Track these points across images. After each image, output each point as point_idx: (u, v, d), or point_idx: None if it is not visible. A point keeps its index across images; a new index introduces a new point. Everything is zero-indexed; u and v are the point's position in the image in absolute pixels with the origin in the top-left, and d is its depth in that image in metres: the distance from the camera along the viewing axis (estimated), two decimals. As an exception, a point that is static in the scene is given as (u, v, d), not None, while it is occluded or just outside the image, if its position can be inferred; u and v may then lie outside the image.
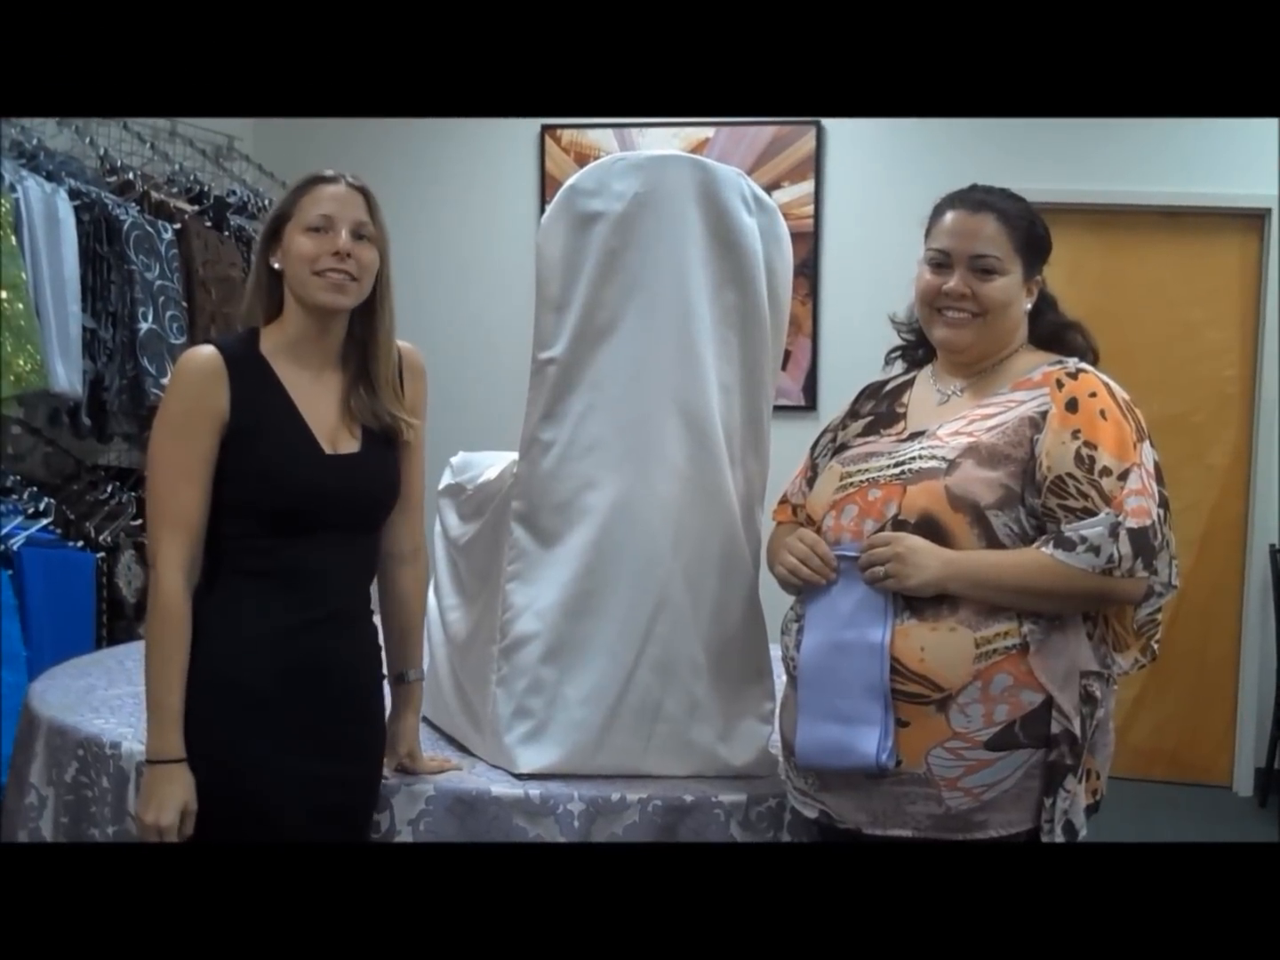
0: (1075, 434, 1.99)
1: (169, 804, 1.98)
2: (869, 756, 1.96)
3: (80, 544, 4.09)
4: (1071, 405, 2.01)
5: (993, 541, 1.99)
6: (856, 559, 2.01)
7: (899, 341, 2.35)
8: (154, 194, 4.60)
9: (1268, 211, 5.15)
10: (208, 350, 2.09)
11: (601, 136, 5.51)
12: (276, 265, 2.12)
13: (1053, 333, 2.18)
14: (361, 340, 2.17)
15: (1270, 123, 4.85)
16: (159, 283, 4.35)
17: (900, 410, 2.19)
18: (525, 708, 2.35)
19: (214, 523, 2.07)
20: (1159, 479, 2.02)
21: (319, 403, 2.13)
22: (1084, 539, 1.94)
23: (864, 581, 2.00)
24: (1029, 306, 2.15)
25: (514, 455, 2.46)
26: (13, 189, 3.87)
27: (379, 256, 2.13)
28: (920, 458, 2.05)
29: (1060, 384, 2.04)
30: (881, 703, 1.96)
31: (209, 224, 4.81)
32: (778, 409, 2.55)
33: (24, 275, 3.82)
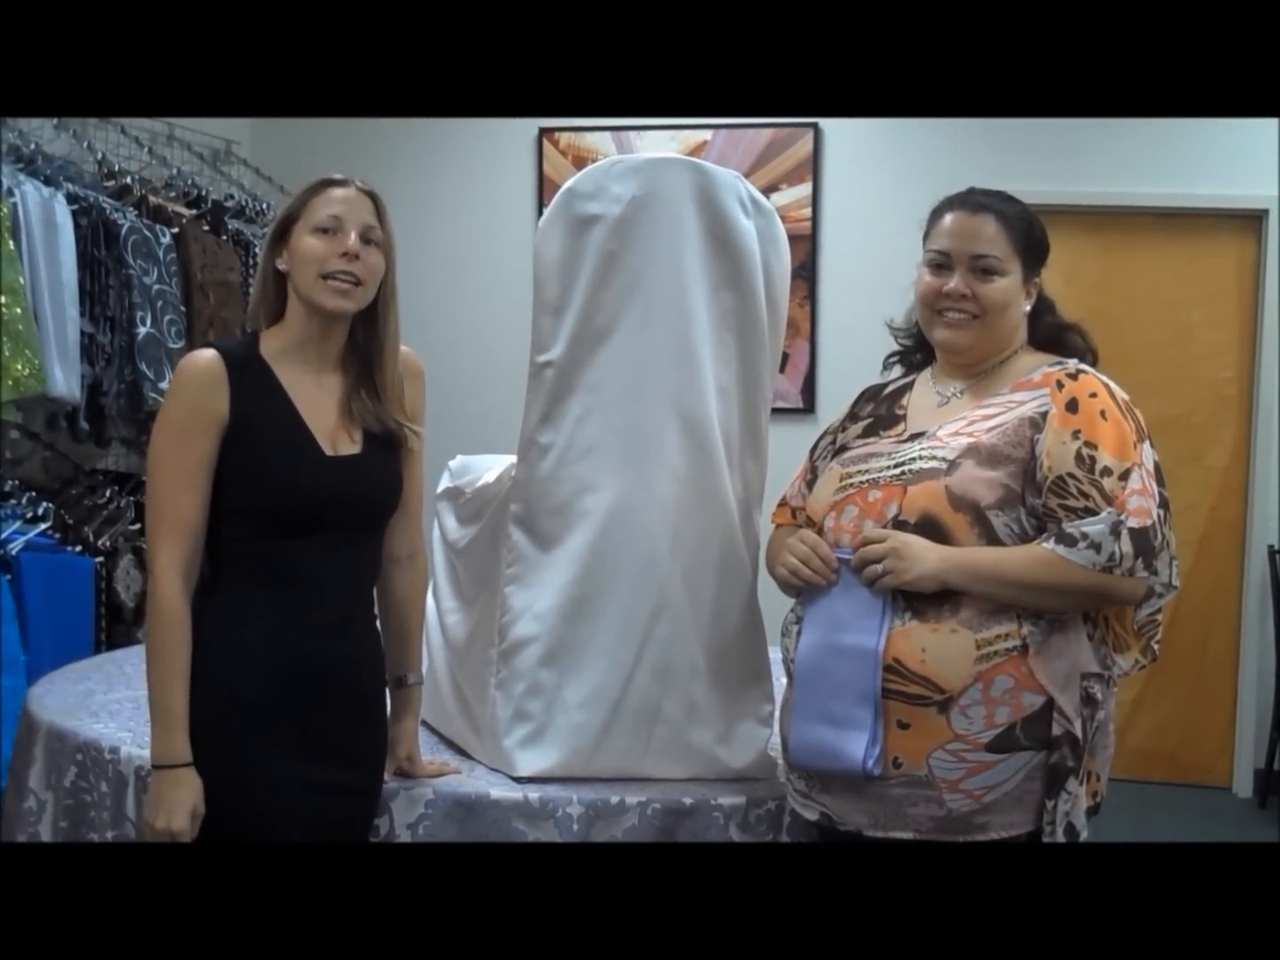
0: (1076, 434, 1.99)
1: (179, 809, 1.98)
2: (856, 762, 1.97)
3: (79, 548, 4.10)
4: (1072, 406, 2.01)
5: (993, 541, 1.99)
6: (857, 561, 2.01)
7: (897, 345, 2.35)
8: (152, 198, 4.60)
9: (1265, 212, 5.15)
10: (208, 354, 2.09)
11: (599, 139, 5.52)
12: (282, 267, 2.12)
13: (1052, 334, 2.18)
14: (364, 345, 2.17)
15: (1269, 123, 4.85)
16: (157, 287, 4.35)
17: (900, 412, 2.19)
18: (524, 711, 2.34)
19: (214, 527, 2.06)
20: (1159, 479, 2.02)
21: (320, 405, 2.13)
22: (1085, 536, 1.94)
23: (863, 584, 2.00)
24: (1028, 308, 2.15)
25: (512, 458, 2.46)
26: (10, 194, 3.87)
27: (385, 262, 2.13)
28: (920, 458, 2.05)
29: (1060, 385, 2.04)
30: (872, 709, 1.96)
31: (207, 228, 4.82)
32: (776, 411, 2.55)
33: (22, 280, 3.82)
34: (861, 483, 2.09)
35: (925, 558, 1.96)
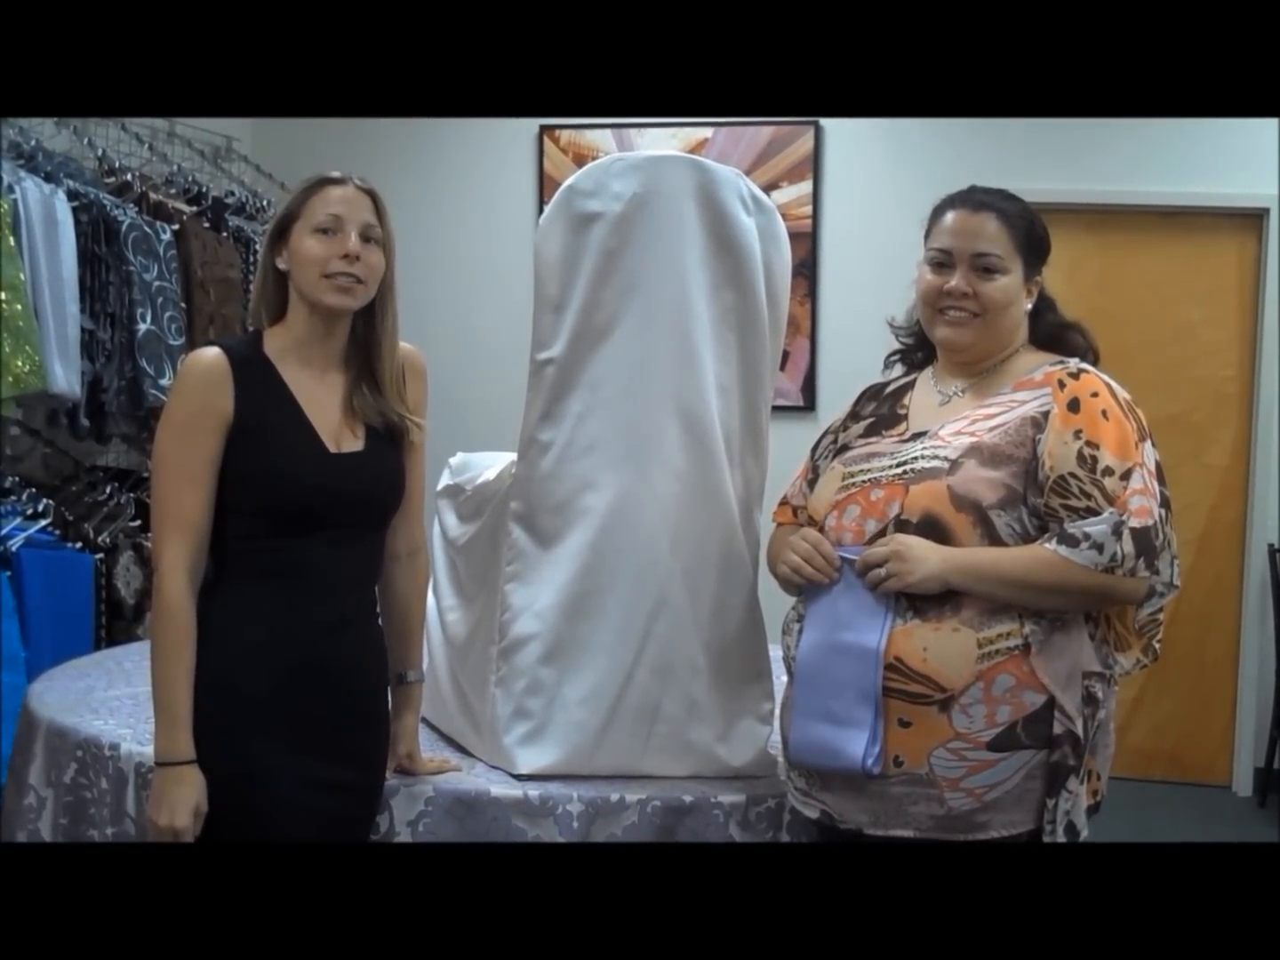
0: (1077, 434, 1.99)
1: (181, 806, 1.98)
2: (856, 760, 1.97)
3: (79, 545, 4.10)
4: (1073, 405, 2.01)
5: (995, 541, 1.99)
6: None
7: (898, 343, 2.35)
8: (152, 195, 4.60)
9: (1266, 211, 5.15)
10: (213, 352, 2.09)
11: (600, 137, 5.51)
12: (283, 266, 2.12)
13: (1053, 333, 2.18)
14: (364, 341, 2.17)
15: (1269, 123, 4.85)
16: (157, 284, 4.35)
17: (902, 411, 2.19)
18: (524, 708, 2.34)
19: (219, 524, 2.06)
20: (1160, 479, 2.02)
21: (323, 402, 2.13)
22: (1087, 536, 1.94)
23: (867, 588, 2.00)
24: (1029, 307, 2.15)
25: (513, 456, 2.46)
26: (11, 190, 3.87)
27: (385, 259, 2.13)
28: (923, 458, 2.05)
29: (1062, 384, 2.04)
30: (872, 708, 1.96)
31: (207, 225, 4.82)
32: (776, 410, 2.55)
33: (22, 276, 3.82)
34: (863, 482, 2.09)
35: (927, 559, 1.96)
